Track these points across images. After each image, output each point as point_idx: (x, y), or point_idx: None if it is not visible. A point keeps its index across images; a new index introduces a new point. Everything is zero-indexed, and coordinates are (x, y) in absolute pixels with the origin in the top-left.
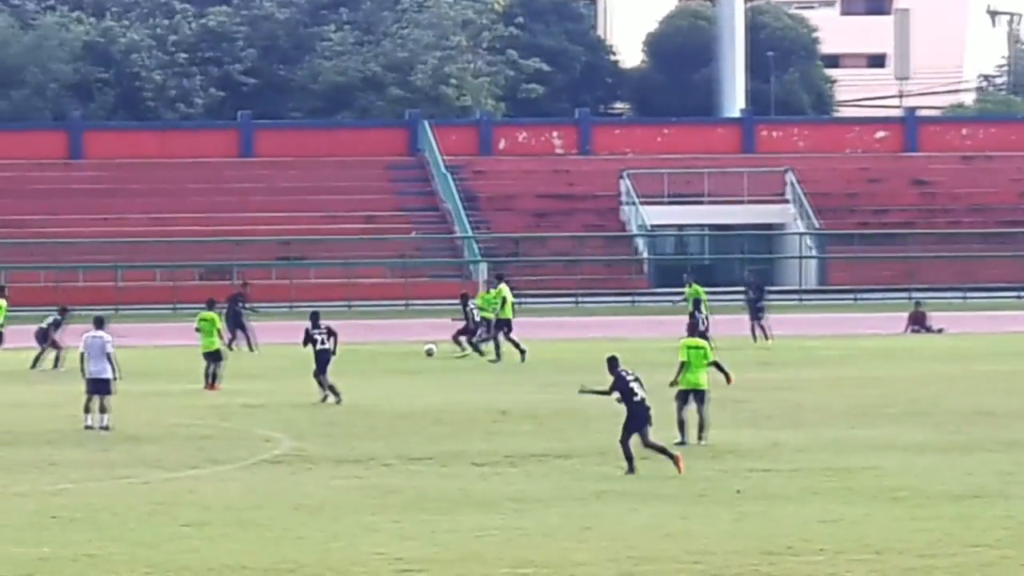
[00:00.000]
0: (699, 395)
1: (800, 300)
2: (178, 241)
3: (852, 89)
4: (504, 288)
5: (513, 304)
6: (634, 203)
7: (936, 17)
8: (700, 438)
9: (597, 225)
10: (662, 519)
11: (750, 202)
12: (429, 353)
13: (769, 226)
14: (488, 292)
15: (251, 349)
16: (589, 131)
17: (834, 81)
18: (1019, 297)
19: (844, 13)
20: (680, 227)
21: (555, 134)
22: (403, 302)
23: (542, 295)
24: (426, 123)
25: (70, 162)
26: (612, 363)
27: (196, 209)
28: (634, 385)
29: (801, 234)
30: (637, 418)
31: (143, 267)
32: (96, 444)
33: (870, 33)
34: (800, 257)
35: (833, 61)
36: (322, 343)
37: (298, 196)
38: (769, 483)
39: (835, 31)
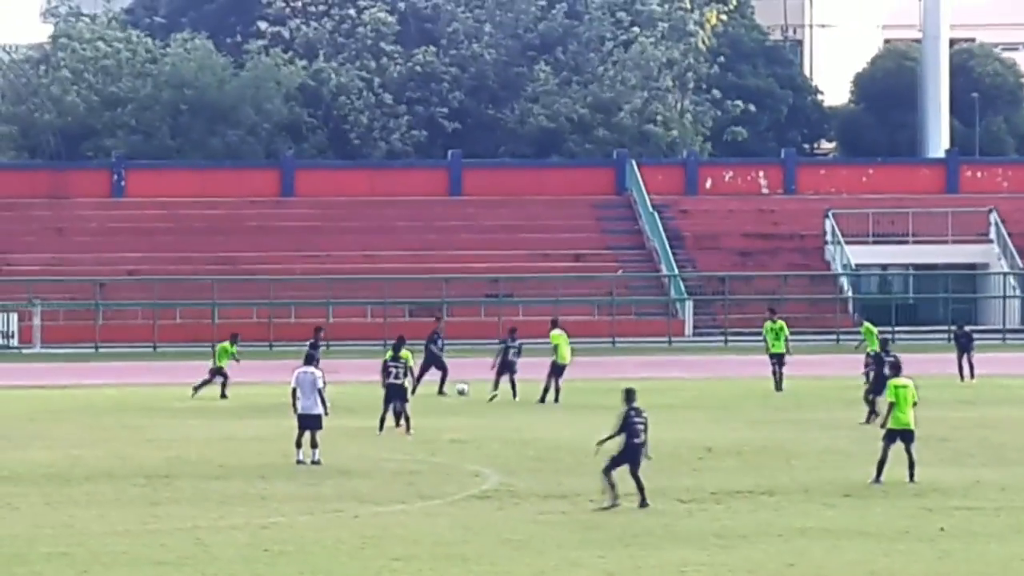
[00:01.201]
0: (907, 435)
1: (1003, 339)
2: (388, 278)
3: None
4: (556, 333)
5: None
6: (839, 242)
7: None
8: (911, 477)
9: (802, 264)
10: (866, 556)
11: (954, 242)
12: (461, 392)
13: (972, 266)
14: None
15: (440, 391)
16: (794, 171)
17: None
18: None
19: None
20: (884, 266)
21: (760, 173)
22: (610, 339)
23: (747, 333)
24: (633, 162)
25: (282, 200)
26: (629, 395)
27: (405, 246)
28: (639, 427)
29: (1005, 274)
30: (629, 456)
31: (354, 303)
32: (307, 478)
33: None
34: (1003, 297)
35: None
36: (396, 376)
37: (506, 234)
38: (972, 521)
39: None
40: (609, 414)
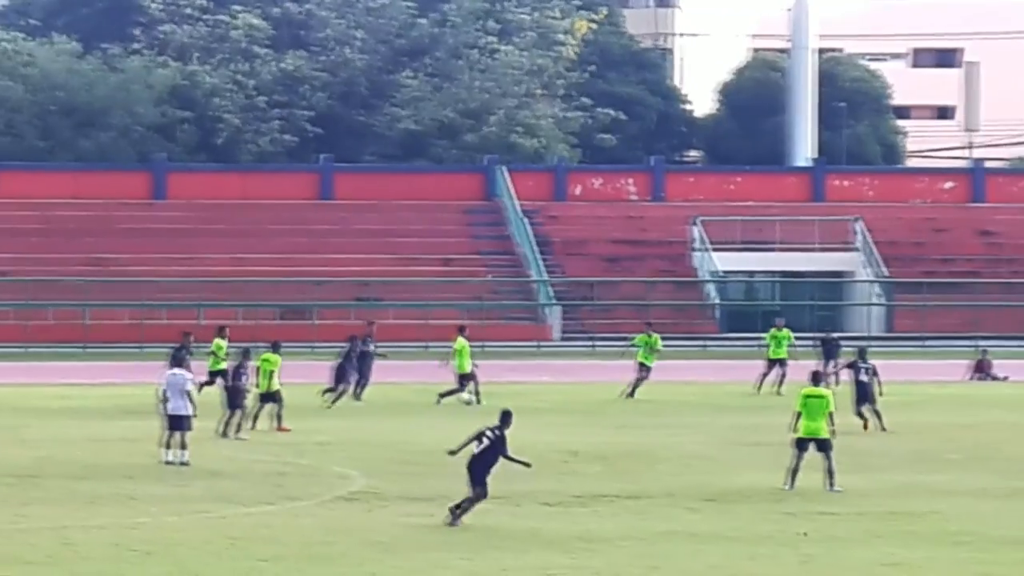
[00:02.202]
0: (821, 443)
1: (866, 346)
2: (258, 281)
3: (920, 140)
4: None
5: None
6: (705, 249)
7: (1004, 70)
8: (831, 486)
9: (669, 271)
10: (728, 560)
11: (819, 250)
12: (469, 403)
13: (838, 273)
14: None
15: (356, 396)
16: (662, 178)
17: (904, 132)
18: None
19: (914, 66)
20: (750, 273)
21: (629, 181)
22: (478, 344)
23: (614, 338)
24: (502, 169)
25: (153, 202)
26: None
27: (276, 250)
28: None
29: (869, 282)
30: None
31: (225, 306)
32: (175, 479)
33: (939, 86)
34: (867, 304)
35: (902, 113)
36: (237, 378)
37: (376, 238)
38: (834, 527)
39: (905, 83)
40: (477, 418)
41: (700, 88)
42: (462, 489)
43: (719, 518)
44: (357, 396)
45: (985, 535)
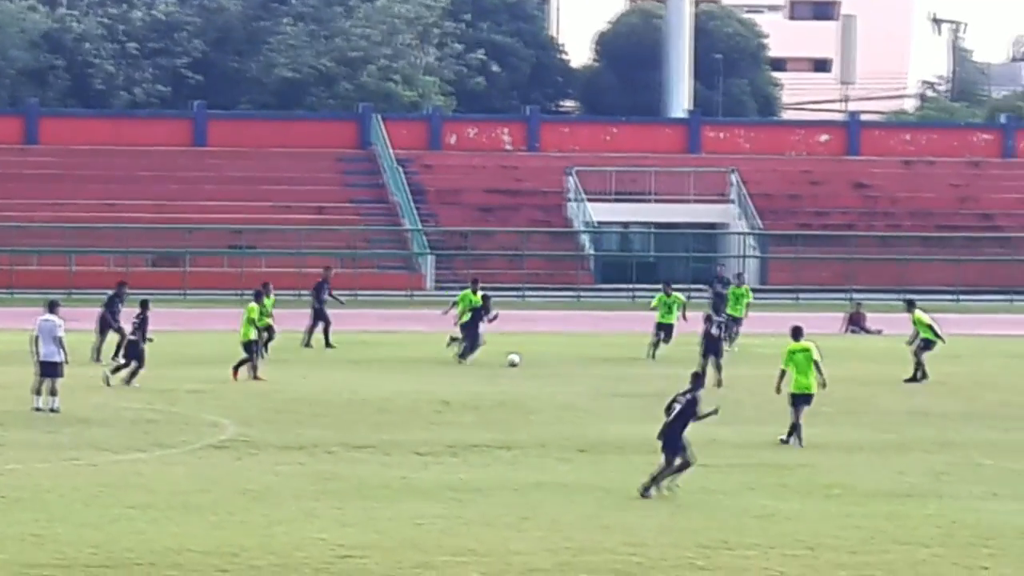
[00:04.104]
0: (805, 399)
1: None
2: (130, 228)
3: (797, 93)
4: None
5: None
6: (580, 200)
7: (881, 24)
8: (790, 439)
9: (543, 221)
10: (600, 511)
11: (694, 201)
12: (513, 364)
13: (712, 225)
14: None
15: (306, 342)
16: (538, 128)
17: (780, 85)
18: (956, 300)
19: (791, 18)
20: (625, 225)
21: (504, 130)
22: (351, 292)
23: (488, 289)
24: (377, 117)
25: (25, 147)
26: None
27: (148, 196)
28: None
29: (743, 234)
30: None
31: (96, 252)
32: (45, 426)
33: (816, 38)
34: (742, 256)
35: (779, 65)
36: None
37: (249, 186)
38: (706, 478)
39: (781, 35)
40: (350, 368)
41: (577, 38)
42: (334, 438)
43: (591, 469)
44: (307, 342)
45: (855, 488)
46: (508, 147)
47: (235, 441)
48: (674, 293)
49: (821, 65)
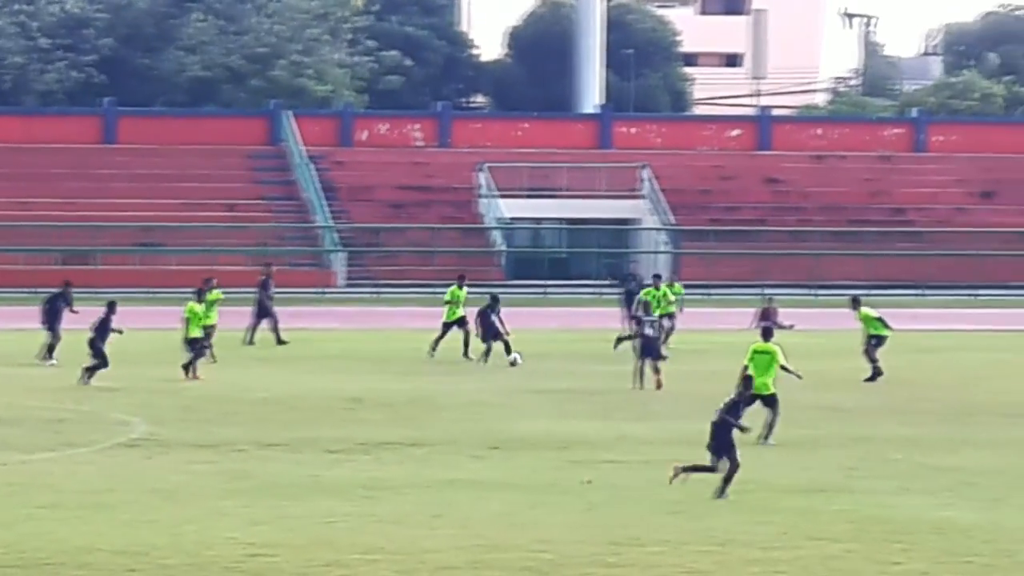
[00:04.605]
0: (767, 399)
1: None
2: (40, 225)
3: (708, 88)
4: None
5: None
6: (491, 196)
7: (792, 18)
8: (767, 438)
9: (454, 217)
10: (511, 508)
11: (606, 197)
12: (514, 363)
13: (624, 221)
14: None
15: (278, 340)
16: (449, 124)
17: (691, 80)
18: (867, 295)
19: (701, 13)
20: (536, 220)
21: (415, 127)
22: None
23: (399, 285)
24: (288, 113)
25: None
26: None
27: (58, 194)
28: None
29: (655, 229)
30: None
31: (5, 250)
32: None
33: (726, 33)
34: (654, 252)
35: (690, 60)
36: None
37: (160, 183)
38: (617, 474)
39: (692, 30)
40: (261, 365)
41: (488, 32)
42: (244, 436)
43: (502, 466)
44: (250, 339)
45: (766, 482)
46: (419, 143)
47: (145, 440)
48: (663, 286)
49: (732, 60)
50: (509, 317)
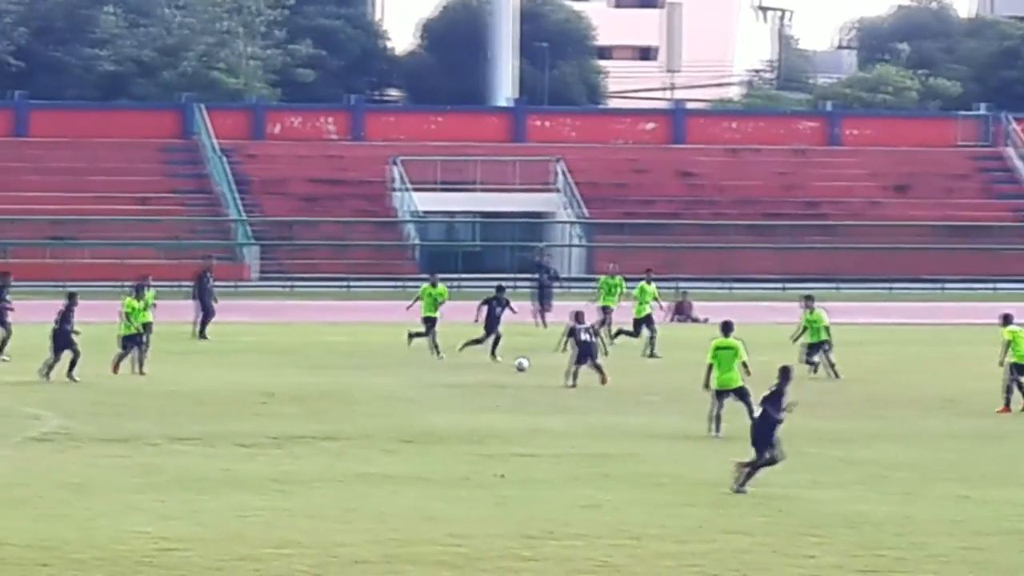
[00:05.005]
0: (738, 391)
1: (567, 288)
2: None
3: (622, 81)
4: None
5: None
6: (405, 189)
7: (706, 11)
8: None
9: (367, 210)
10: (425, 502)
11: (520, 190)
12: (521, 368)
13: (538, 214)
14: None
15: (201, 334)
16: (362, 117)
17: (605, 73)
18: (782, 289)
19: (616, 6)
20: (450, 214)
21: (328, 119)
22: (175, 283)
23: (312, 279)
24: (200, 107)
25: None
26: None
27: None
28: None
29: (569, 223)
30: None
31: None
32: None
33: (641, 26)
34: (567, 245)
35: (604, 53)
36: None
37: (71, 176)
38: (531, 468)
39: (606, 23)
40: (173, 359)
41: (402, 24)
42: (156, 430)
43: (416, 459)
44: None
45: (681, 477)
46: (332, 136)
47: (56, 434)
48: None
49: (646, 53)
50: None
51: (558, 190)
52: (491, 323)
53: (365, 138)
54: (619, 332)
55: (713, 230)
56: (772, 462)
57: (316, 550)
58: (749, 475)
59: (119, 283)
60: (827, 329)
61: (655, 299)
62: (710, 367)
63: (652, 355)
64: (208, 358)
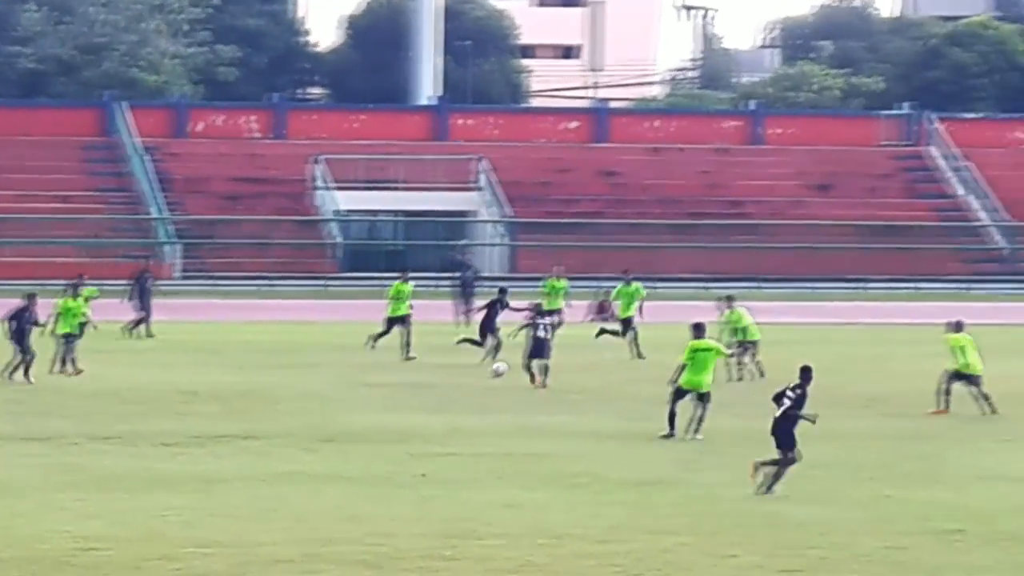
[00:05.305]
0: (701, 395)
1: (490, 286)
2: None
3: (546, 80)
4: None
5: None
6: (327, 188)
7: (629, 10)
8: (696, 432)
9: (290, 209)
10: (346, 501)
11: (443, 189)
12: (498, 373)
13: (461, 213)
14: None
15: (142, 331)
16: (284, 116)
17: (528, 71)
18: (705, 288)
19: (538, 4)
20: (373, 213)
21: (251, 118)
22: (97, 282)
23: (234, 278)
24: (122, 105)
25: None
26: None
27: None
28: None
29: (492, 221)
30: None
31: None
32: None
33: (563, 25)
34: (490, 244)
35: (527, 51)
36: None
37: None
38: (453, 467)
39: (529, 22)
40: (95, 358)
41: (325, 21)
42: (77, 429)
43: (337, 459)
44: (148, 332)
45: (601, 476)
46: (255, 135)
47: None
48: (635, 283)
49: (569, 52)
50: (344, 309)
51: (481, 189)
52: (489, 326)
53: (287, 137)
54: (602, 331)
55: (636, 229)
56: (793, 461)
57: (236, 549)
58: (777, 476)
59: (40, 281)
60: (745, 330)
61: (641, 298)
62: (683, 367)
63: (639, 355)
64: (130, 357)
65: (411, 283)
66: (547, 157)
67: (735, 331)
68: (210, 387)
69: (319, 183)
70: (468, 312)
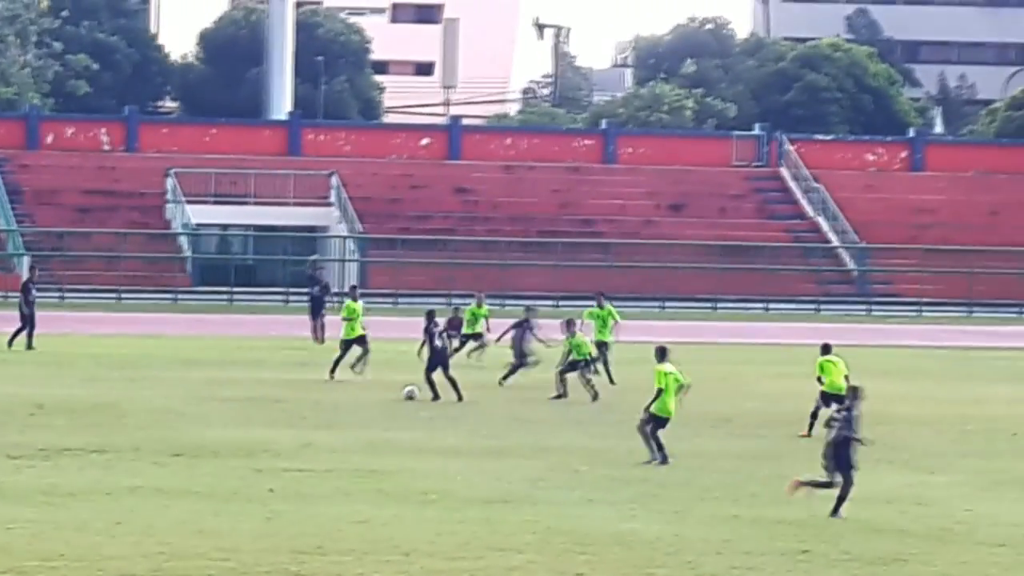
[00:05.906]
0: (664, 422)
1: (339, 302)
2: None
3: (400, 96)
4: None
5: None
6: (179, 201)
7: (484, 28)
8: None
9: (141, 222)
10: (194, 516)
11: (295, 204)
12: (410, 396)
13: (313, 228)
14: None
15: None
16: (137, 128)
17: (382, 88)
18: (555, 306)
19: (393, 21)
20: (224, 227)
21: (103, 131)
22: None
23: (84, 290)
24: None
25: None
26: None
27: None
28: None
29: (344, 237)
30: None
31: None
32: None
33: (418, 41)
34: (342, 260)
35: (381, 68)
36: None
37: None
38: (302, 483)
39: (384, 38)
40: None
41: (179, 35)
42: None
43: (186, 473)
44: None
45: (452, 493)
46: (107, 147)
47: None
48: (607, 305)
49: (424, 68)
50: (195, 323)
51: (333, 204)
52: (521, 347)
53: (139, 149)
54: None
55: (488, 247)
56: (851, 483)
57: (83, 563)
58: (841, 499)
59: None
60: (590, 353)
61: (615, 320)
62: (660, 392)
63: (611, 380)
64: None
65: (361, 301)
66: (400, 173)
67: (581, 352)
68: (58, 400)
69: (171, 196)
70: (322, 329)
